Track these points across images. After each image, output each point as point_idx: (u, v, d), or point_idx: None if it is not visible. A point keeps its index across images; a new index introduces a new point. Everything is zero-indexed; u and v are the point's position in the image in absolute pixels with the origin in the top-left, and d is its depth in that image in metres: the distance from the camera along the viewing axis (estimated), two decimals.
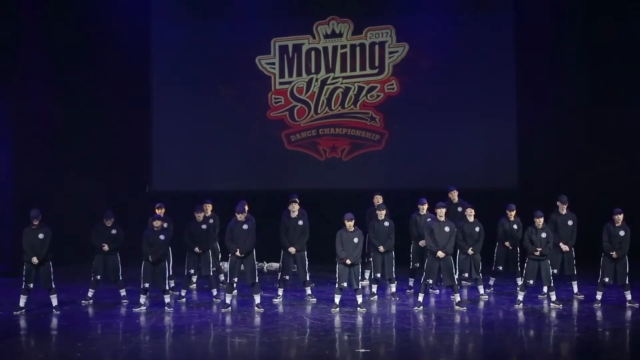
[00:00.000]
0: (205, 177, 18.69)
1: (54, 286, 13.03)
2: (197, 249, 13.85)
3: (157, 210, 14.06)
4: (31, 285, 12.88)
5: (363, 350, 10.60)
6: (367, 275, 14.89)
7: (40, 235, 12.84)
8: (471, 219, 13.67)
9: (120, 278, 13.68)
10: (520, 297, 13.20)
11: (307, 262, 13.95)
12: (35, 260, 12.85)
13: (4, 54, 16.77)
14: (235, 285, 13.13)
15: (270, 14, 19.23)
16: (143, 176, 18.55)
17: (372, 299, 13.80)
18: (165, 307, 12.98)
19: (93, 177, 17.88)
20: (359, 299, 13.02)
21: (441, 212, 13.02)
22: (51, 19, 17.71)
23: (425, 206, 14.17)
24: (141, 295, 13.07)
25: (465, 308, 12.89)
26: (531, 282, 13.14)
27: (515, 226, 14.13)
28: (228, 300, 13.13)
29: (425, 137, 18.82)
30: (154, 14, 18.85)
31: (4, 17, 16.70)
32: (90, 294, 13.59)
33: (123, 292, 13.70)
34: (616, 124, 17.55)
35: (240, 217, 13.03)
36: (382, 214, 13.79)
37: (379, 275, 13.87)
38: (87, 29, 18.12)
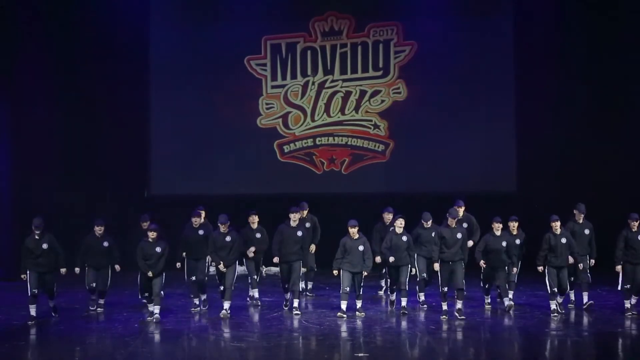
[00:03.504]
0: (205, 181, 22.46)
1: (55, 291, 16.68)
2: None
3: (142, 224, 17.65)
4: (36, 292, 16.42)
5: (362, 354, 14.31)
6: (382, 282, 18.74)
7: (44, 245, 16.47)
8: (498, 232, 17.17)
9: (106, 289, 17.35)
10: (553, 305, 16.75)
11: (301, 272, 17.43)
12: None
13: (3, 57, 21.20)
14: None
15: (261, 10, 22.63)
16: (141, 180, 22.63)
17: (390, 309, 17.34)
18: (149, 316, 16.48)
19: (92, 181, 22.17)
20: (359, 303, 16.84)
21: (452, 221, 16.77)
22: (50, 23, 22.10)
23: (430, 222, 17.60)
24: (148, 305, 16.67)
25: (464, 317, 16.47)
26: (556, 289, 16.72)
27: (517, 241, 17.39)
28: (225, 305, 16.80)
29: (432, 146, 22.45)
30: (152, 17, 22.66)
31: (2, 20, 21.11)
32: (101, 301, 17.25)
33: (101, 301, 17.39)
34: (616, 128, 21.72)
35: (222, 228, 16.79)
36: (400, 227, 17.19)
37: (394, 286, 17.34)
38: (86, 33, 22.33)
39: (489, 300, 17.81)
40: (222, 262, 16.77)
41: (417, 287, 17.83)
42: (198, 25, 22.80)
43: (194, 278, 17.46)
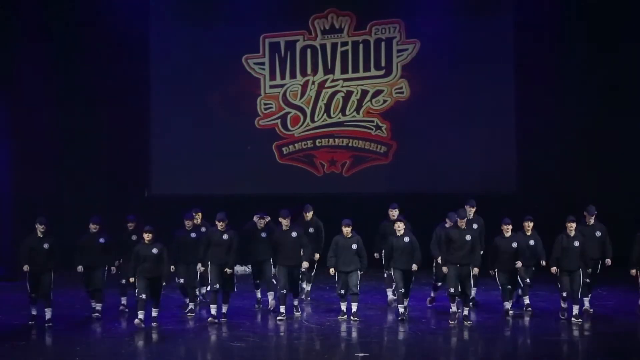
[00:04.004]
0: (206, 182, 23.75)
1: (52, 297, 17.58)
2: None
3: (128, 225, 18.45)
4: (34, 295, 17.46)
5: (362, 354, 15.52)
6: (389, 292, 19.43)
7: (46, 245, 17.61)
8: (508, 234, 17.94)
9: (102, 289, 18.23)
10: (564, 304, 17.64)
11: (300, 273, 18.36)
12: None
13: (3, 57, 22.77)
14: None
15: (260, 7, 23.74)
16: (141, 180, 24.05)
17: (403, 318, 17.84)
18: (153, 323, 17.33)
19: (92, 181, 23.61)
20: (354, 306, 17.73)
21: (461, 222, 17.54)
22: (50, 22, 23.58)
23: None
24: (139, 312, 17.20)
25: (470, 322, 17.47)
26: (565, 294, 17.58)
27: (532, 242, 18.31)
28: (214, 311, 17.73)
29: (434, 146, 23.56)
30: (152, 17, 23.92)
31: (3, 21, 22.67)
32: (98, 307, 18.10)
33: (98, 307, 18.25)
34: (617, 128, 22.99)
35: (220, 225, 17.68)
36: (400, 230, 17.89)
37: (402, 290, 17.86)
38: (86, 32, 23.71)
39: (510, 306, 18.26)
40: (226, 268, 17.65)
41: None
42: (198, 25, 23.97)
43: (181, 280, 18.41)
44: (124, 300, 18.85)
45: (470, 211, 18.84)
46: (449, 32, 23.69)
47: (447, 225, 18.42)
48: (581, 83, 23.35)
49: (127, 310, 18.67)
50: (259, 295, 19.24)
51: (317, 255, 19.16)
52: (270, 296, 18.74)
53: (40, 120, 23.74)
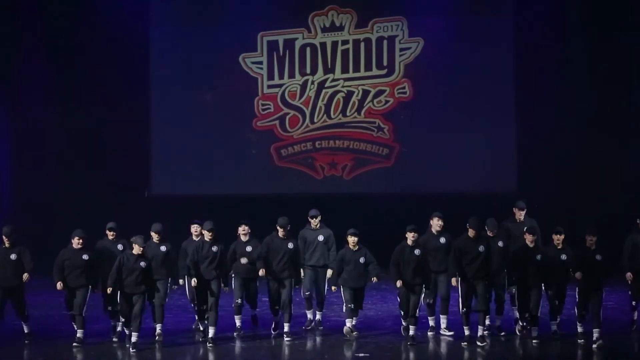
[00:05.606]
0: (206, 182, 25.82)
1: (27, 313, 18.44)
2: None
3: (109, 233, 18.84)
4: None
5: (362, 354, 17.72)
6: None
7: (13, 256, 18.23)
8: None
9: (83, 314, 18.56)
10: (580, 328, 18.35)
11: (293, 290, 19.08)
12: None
13: (3, 58, 25.45)
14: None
15: (257, 3, 25.66)
16: (141, 180, 26.37)
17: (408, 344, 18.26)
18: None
19: (92, 181, 25.92)
20: (354, 320, 18.93)
21: (472, 232, 18.24)
22: (50, 22, 26.07)
23: (495, 231, 18.76)
24: (129, 332, 18.13)
25: (486, 343, 18.29)
26: (584, 312, 18.19)
27: (563, 256, 18.24)
28: (209, 332, 18.72)
29: (437, 147, 25.60)
30: (153, 18, 25.93)
31: (3, 21, 25.36)
32: (79, 334, 18.34)
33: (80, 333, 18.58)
34: (618, 127, 25.39)
35: (208, 236, 18.58)
36: (412, 239, 18.11)
37: (404, 311, 18.53)
38: (86, 32, 26.02)
39: (525, 323, 18.80)
40: (195, 279, 18.50)
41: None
42: (198, 24, 25.95)
43: (154, 301, 18.53)
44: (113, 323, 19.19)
45: (520, 214, 19.38)
46: (451, 30, 25.63)
47: (489, 234, 18.69)
48: (582, 82, 25.64)
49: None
50: (238, 322, 19.42)
51: (329, 272, 19.34)
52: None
53: (40, 120, 26.20)
